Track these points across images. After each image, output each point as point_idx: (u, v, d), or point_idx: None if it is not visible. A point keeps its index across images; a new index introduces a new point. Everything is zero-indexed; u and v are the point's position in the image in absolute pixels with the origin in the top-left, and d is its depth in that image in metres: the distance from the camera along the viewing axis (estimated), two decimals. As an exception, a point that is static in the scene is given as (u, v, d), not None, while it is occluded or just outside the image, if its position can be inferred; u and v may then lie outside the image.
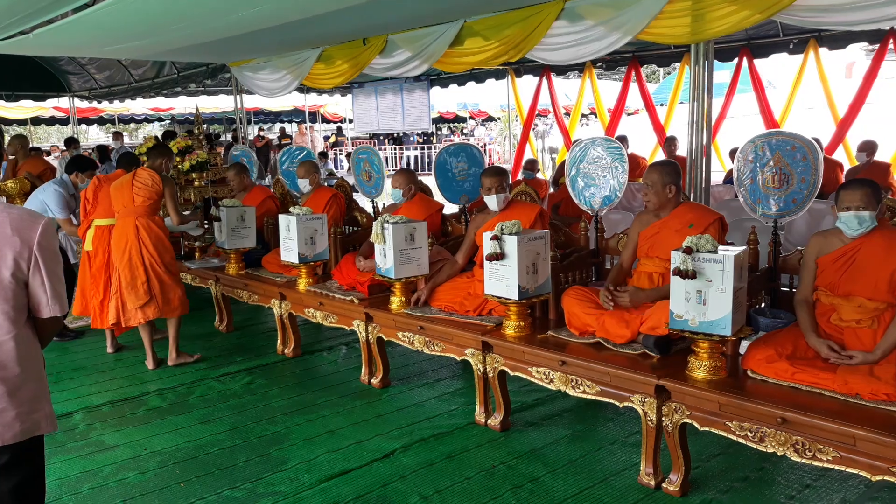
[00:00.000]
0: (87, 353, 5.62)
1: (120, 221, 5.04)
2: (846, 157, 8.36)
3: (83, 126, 19.10)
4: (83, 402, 4.61)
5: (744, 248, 3.17)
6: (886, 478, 2.58)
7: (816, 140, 7.59)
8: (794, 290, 3.61)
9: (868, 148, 7.42)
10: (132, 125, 22.41)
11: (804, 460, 2.77)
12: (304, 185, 5.83)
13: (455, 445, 3.82)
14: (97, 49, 7.52)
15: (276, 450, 3.85)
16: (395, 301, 4.44)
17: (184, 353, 5.26)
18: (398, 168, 5.63)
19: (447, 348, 4.13)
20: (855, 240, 3.14)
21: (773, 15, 4.13)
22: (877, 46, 7.84)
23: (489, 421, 4.03)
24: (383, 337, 4.57)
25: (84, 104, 14.69)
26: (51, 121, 18.17)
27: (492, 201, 4.29)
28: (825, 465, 2.72)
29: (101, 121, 19.67)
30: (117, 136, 14.14)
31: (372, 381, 4.75)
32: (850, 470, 2.68)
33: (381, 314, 4.52)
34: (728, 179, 8.25)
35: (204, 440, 4.00)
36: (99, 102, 13.87)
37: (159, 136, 9.27)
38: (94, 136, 27.37)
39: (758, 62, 8.75)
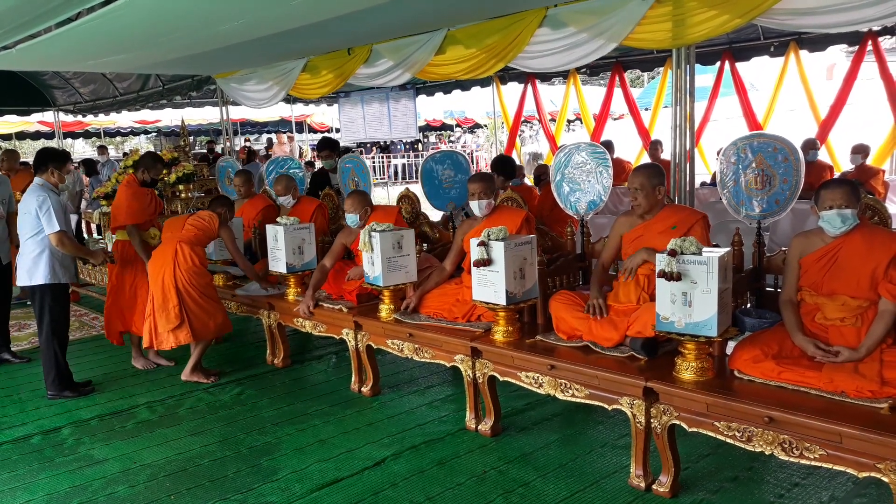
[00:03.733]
0: (74, 367, 5.57)
1: (163, 245, 5.03)
2: (829, 158, 8.45)
3: (69, 140, 19.01)
4: (71, 417, 4.58)
5: (728, 249, 3.20)
6: (873, 474, 2.60)
7: (812, 142, 7.71)
8: (778, 291, 3.64)
9: (862, 150, 7.52)
10: (118, 138, 22.32)
11: (792, 459, 2.79)
12: (285, 200, 5.67)
13: (446, 452, 3.82)
14: (81, 63, 7.50)
15: (266, 460, 3.84)
16: (384, 309, 4.44)
17: (199, 372, 5.10)
18: (350, 192, 5.36)
19: (437, 355, 4.14)
20: (836, 239, 3.17)
21: (753, 19, 4.18)
22: (856, 48, 7.95)
23: (479, 426, 4.04)
24: (373, 345, 4.58)
25: (69, 118, 14.61)
26: (36, 135, 18.05)
27: (475, 207, 4.31)
28: (812, 463, 2.75)
29: (87, 134, 19.57)
30: (102, 149, 14.09)
31: (362, 389, 4.75)
32: (837, 467, 2.70)
33: (370, 322, 4.52)
34: (714, 182, 8.32)
35: (194, 452, 3.99)
36: (84, 116, 13.81)
37: (153, 149, 9.22)
38: (79, 150, 27.22)
39: (740, 65, 8.85)
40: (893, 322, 3.01)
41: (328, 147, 7.49)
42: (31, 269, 4.77)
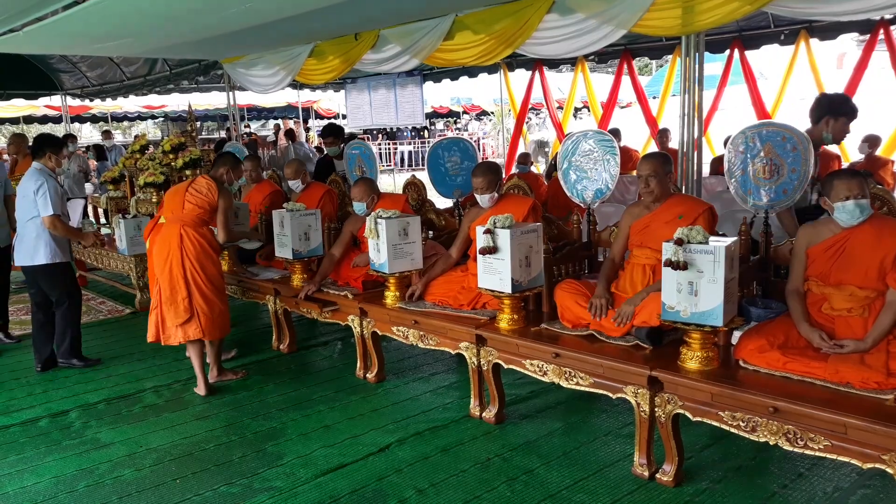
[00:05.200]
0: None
1: (165, 229, 4.59)
2: (837, 148, 8.38)
3: (76, 124, 18.99)
4: (78, 401, 4.61)
5: (735, 238, 3.18)
6: (878, 465, 2.60)
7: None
8: (785, 280, 3.62)
9: (871, 140, 7.46)
10: (125, 123, 22.31)
11: (796, 449, 2.79)
12: (295, 185, 5.72)
13: (450, 439, 3.84)
14: (88, 46, 7.50)
15: (271, 445, 3.86)
16: (390, 296, 4.45)
17: (227, 370, 4.88)
18: (357, 179, 5.24)
19: (441, 342, 4.14)
20: (845, 229, 3.15)
21: (764, 6, 4.15)
22: (867, 37, 7.86)
23: (484, 414, 4.04)
24: (378, 332, 4.59)
25: (76, 102, 14.61)
26: (43, 119, 18.05)
27: (480, 200, 4.31)
28: (817, 453, 2.74)
29: (94, 119, 19.56)
30: (107, 134, 14.09)
31: (367, 375, 4.76)
32: (841, 458, 2.70)
33: (375, 309, 4.53)
34: (714, 170, 8.25)
35: (200, 436, 4.01)
36: (91, 100, 13.79)
37: (145, 135, 9.21)
38: (87, 135, 27.25)
39: (749, 53, 8.77)
40: (901, 313, 2.99)
41: (332, 134, 7.48)
42: (32, 251, 4.97)
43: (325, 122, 22.36)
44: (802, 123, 4.15)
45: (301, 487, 3.40)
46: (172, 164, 6.90)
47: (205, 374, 4.66)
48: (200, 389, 4.62)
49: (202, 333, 4.54)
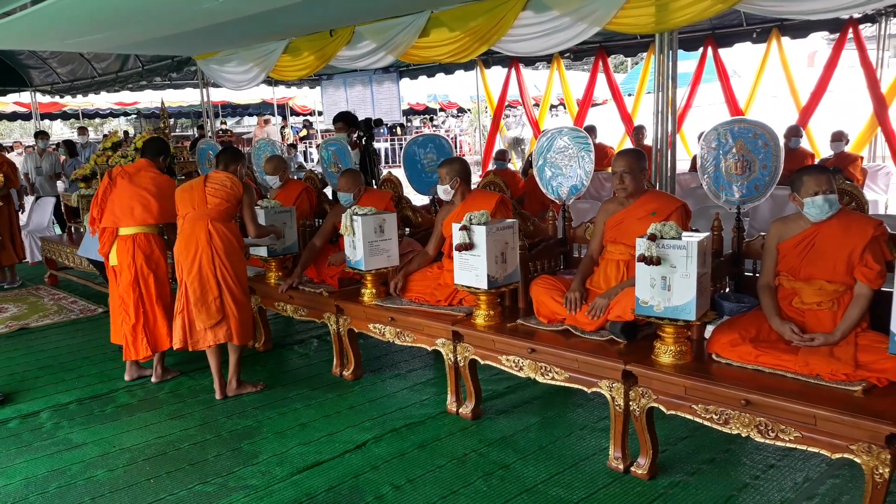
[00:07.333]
0: (52, 351, 5.55)
1: (188, 226, 4.29)
2: (808, 144, 8.52)
3: (46, 121, 18.63)
4: (50, 401, 4.54)
5: (707, 234, 3.21)
6: (846, 455, 2.64)
7: (796, 128, 7.77)
8: (757, 275, 3.67)
9: (840, 136, 7.58)
10: (97, 120, 22.01)
11: (768, 441, 2.83)
12: (273, 181, 5.67)
13: (427, 435, 3.84)
14: (58, 42, 7.38)
15: (247, 444, 3.84)
16: (367, 293, 4.44)
17: (246, 382, 4.59)
18: (343, 171, 5.13)
19: (418, 339, 4.15)
20: (814, 224, 3.20)
21: (736, 4, 4.20)
22: (837, 35, 8.01)
23: (460, 410, 4.05)
24: (354, 329, 4.57)
25: (46, 99, 14.36)
26: (12, 116, 17.74)
27: (440, 191, 4.33)
28: (788, 444, 2.78)
29: (65, 116, 19.26)
30: (83, 130, 13.88)
31: (343, 373, 4.75)
32: (811, 449, 2.74)
33: (351, 306, 4.51)
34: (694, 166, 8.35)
35: (174, 436, 3.97)
36: (62, 97, 13.57)
37: (128, 132, 9.09)
38: (57, 131, 26.77)
39: (722, 51, 8.90)
40: (868, 306, 3.06)
41: (342, 120, 7.33)
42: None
43: (301, 118, 22.31)
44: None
45: (277, 485, 3.38)
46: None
47: (223, 378, 4.50)
48: (218, 394, 4.47)
49: (231, 336, 4.34)
